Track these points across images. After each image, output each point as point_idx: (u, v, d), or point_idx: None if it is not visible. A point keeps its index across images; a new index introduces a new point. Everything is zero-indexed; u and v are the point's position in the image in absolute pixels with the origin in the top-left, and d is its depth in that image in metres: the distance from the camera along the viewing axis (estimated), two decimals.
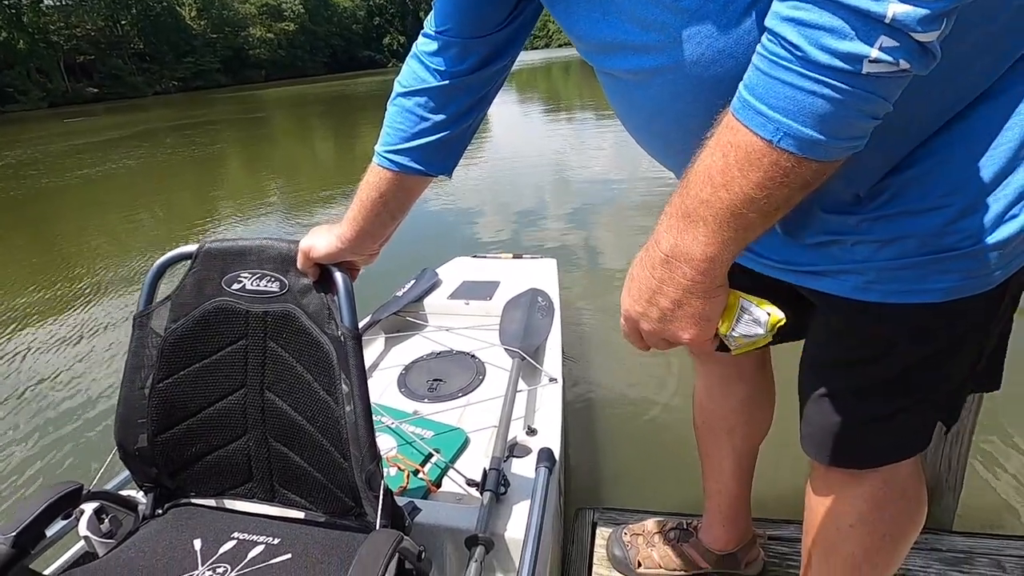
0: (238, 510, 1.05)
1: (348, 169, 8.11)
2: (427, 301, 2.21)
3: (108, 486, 1.12)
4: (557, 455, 1.33)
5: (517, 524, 1.15)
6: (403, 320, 2.15)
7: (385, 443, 1.53)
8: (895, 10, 0.39)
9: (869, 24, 0.40)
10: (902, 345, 0.69)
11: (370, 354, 2.00)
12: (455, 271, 2.49)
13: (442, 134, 0.82)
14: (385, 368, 1.92)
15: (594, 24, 0.62)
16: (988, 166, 0.59)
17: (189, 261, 1.00)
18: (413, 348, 2.03)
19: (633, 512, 1.48)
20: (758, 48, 0.46)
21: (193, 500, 1.08)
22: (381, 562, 0.76)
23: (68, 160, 10.36)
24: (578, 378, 2.40)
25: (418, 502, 1.19)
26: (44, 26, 38.85)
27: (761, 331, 0.57)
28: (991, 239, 0.60)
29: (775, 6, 0.45)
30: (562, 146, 8.36)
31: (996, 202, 0.59)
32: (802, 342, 0.86)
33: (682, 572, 1.24)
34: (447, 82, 0.78)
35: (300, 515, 1.04)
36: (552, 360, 1.76)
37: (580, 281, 3.39)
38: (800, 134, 0.44)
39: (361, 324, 2.02)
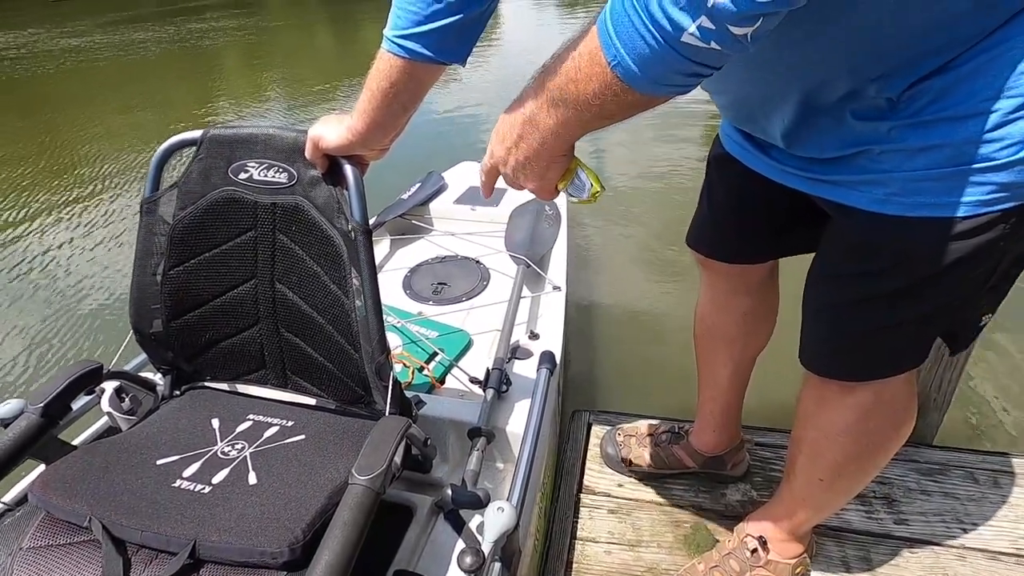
0: (252, 395, 1.10)
1: (351, 61, 7.72)
2: (433, 205, 2.19)
3: (127, 367, 1.16)
4: (558, 359, 1.37)
5: (517, 420, 1.20)
6: (408, 223, 2.14)
7: (391, 341, 1.57)
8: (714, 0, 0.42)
9: (697, 2, 0.43)
10: (917, 259, 0.68)
11: (375, 256, 2.01)
12: (462, 176, 2.44)
13: (456, 17, 0.76)
14: (390, 270, 1.94)
15: None
16: None
17: (194, 148, 0.97)
18: (418, 251, 2.03)
19: (627, 416, 1.55)
20: None
21: (209, 384, 1.13)
22: (392, 444, 0.81)
23: (59, 47, 9.82)
24: (581, 288, 2.43)
25: (423, 396, 1.25)
26: None
27: (585, 195, 0.70)
28: None
29: None
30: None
31: None
32: (810, 257, 0.86)
33: (669, 471, 1.32)
34: None
35: (312, 402, 1.09)
36: (557, 269, 1.77)
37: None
38: (628, 67, 0.50)
39: None
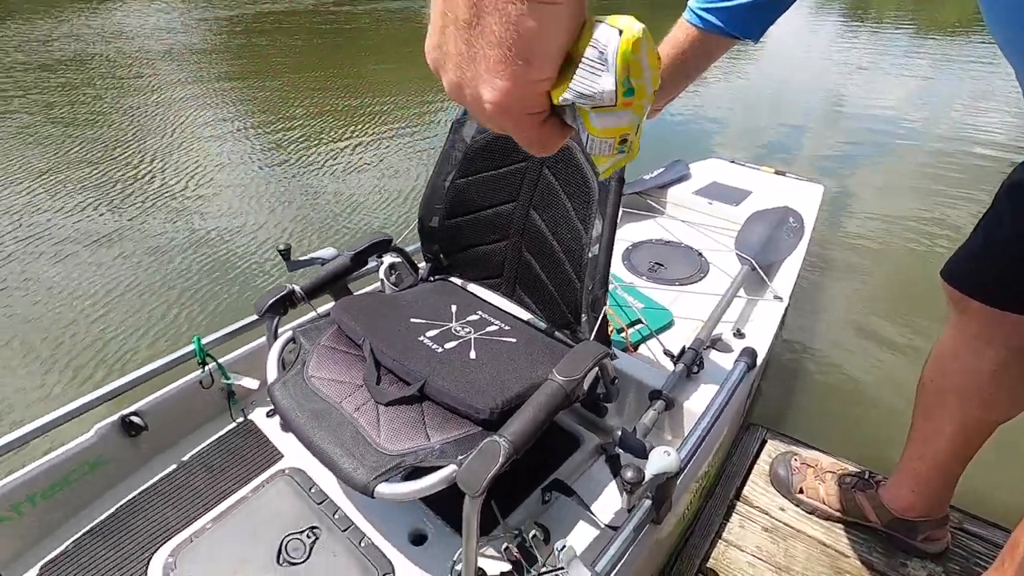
0: (484, 298, 1.32)
1: None
2: (671, 191, 2.23)
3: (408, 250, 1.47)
4: (759, 363, 1.35)
5: (699, 400, 1.24)
6: (643, 201, 2.22)
7: None
8: None
9: None
10: None
11: None
12: (708, 170, 2.42)
13: None
14: (617, 240, 2.05)
15: None
16: None
17: None
18: (644, 229, 2.11)
19: (805, 445, 1.46)
20: None
21: (454, 279, 1.38)
22: (590, 360, 0.93)
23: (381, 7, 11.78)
24: (803, 309, 2.26)
25: (617, 351, 1.35)
26: None
27: (607, 85, 0.27)
28: None
29: None
30: (847, 65, 6.95)
31: None
32: None
33: (845, 516, 1.23)
34: None
35: (526, 317, 1.26)
36: (784, 280, 1.70)
37: (838, 221, 3.02)
38: None
39: None
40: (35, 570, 1.01)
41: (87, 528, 1.07)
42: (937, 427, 1.05)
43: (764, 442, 1.46)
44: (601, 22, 0.27)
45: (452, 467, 0.85)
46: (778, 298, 1.61)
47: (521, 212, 1.20)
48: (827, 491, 1.25)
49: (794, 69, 6.87)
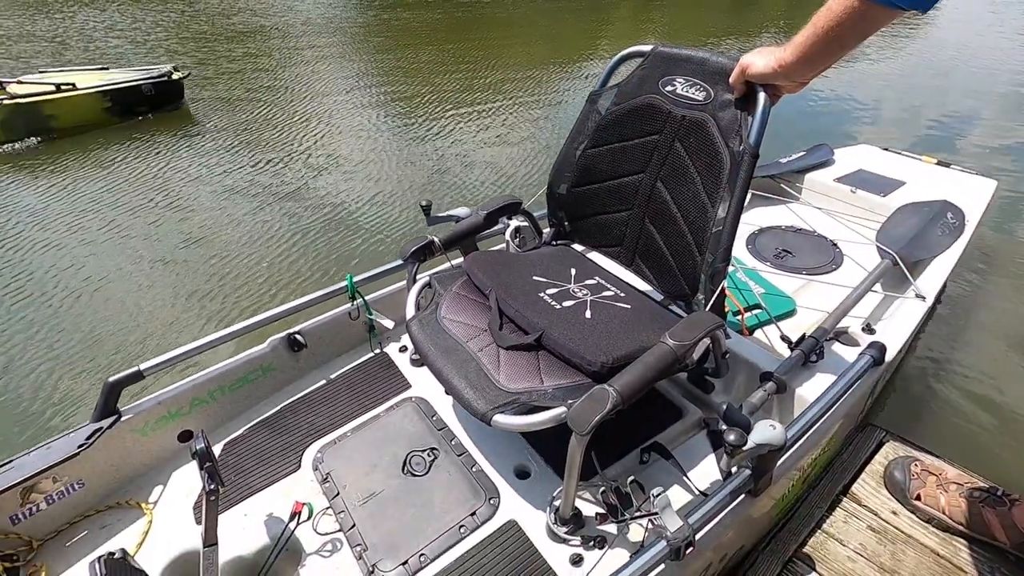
0: (602, 265, 1.38)
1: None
2: (810, 176, 2.11)
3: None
4: (887, 359, 1.28)
5: (813, 389, 1.21)
6: (776, 185, 2.12)
7: None
8: None
9: None
10: None
11: None
12: (855, 156, 2.25)
13: None
14: (741, 222, 1.99)
15: None
16: None
17: (641, 59, 1.21)
18: (775, 214, 2.02)
19: (927, 452, 1.37)
20: None
21: (576, 246, 1.45)
22: (703, 329, 0.96)
23: None
24: (953, 314, 2.05)
25: (731, 332, 1.35)
26: None
27: None
28: None
29: None
30: None
31: None
32: None
33: (968, 531, 1.15)
34: None
35: (643, 287, 1.31)
36: (931, 279, 1.56)
37: (1007, 224, 2.65)
38: None
39: None
40: (220, 445, 1.26)
41: (258, 420, 1.31)
42: None
43: (881, 444, 1.39)
44: None
45: (562, 408, 0.93)
46: (920, 297, 1.49)
47: (648, 183, 1.23)
48: (949, 502, 1.17)
49: (973, 46, 5.95)
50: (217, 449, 1.25)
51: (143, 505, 1.14)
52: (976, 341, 1.94)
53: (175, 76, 4.74)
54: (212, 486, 0.89)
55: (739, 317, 1.54)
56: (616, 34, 7.51)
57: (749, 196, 2.11)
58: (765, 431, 0.90)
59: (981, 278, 2.25)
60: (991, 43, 6.08)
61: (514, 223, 1.54)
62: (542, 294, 1.19)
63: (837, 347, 1.36)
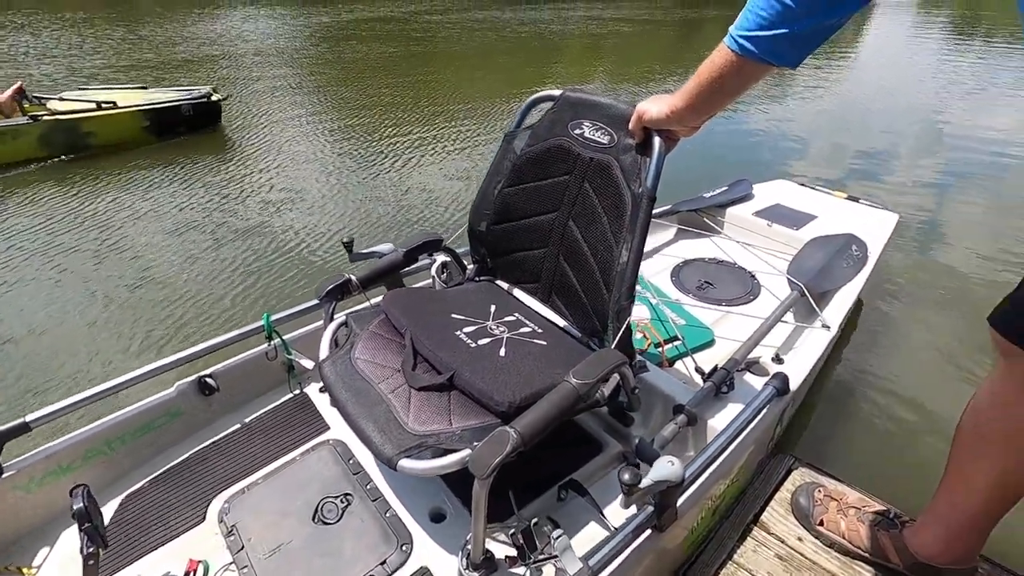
0: (523, 301, 1.39)
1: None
2: (731, 210, 2.21)
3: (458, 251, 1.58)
4: (792, 388, 1.34)
5: (724, 419, 1.25)
6: (700, 219, 2.21)
7: (642, 312, 1.74)
8: None
9: None
10: None
11: (659, 238, 2.16)
12: (773, 191, 2.38)
13: (801, 28, 0.82)
14: (666, 255, 2.07)
15: None
16: None
17: (552, 102, 1.26)
18: (698, 247, 2.11)
19: (832, 477, 1.43)
20: None
21: (498, 281, 1.46)
22: (606, 367, 0.98)
23: (463, 18, 12.13)
24: (862, 342, 2.17)
25: (649, 364, 1.38)
26: None
27: None
28: None
29: None
30: (948, 85, 6.43)
31: None
32: None
33: (864, 554, 1.19)
34: None
35: (562, 323, 1.33)
36: (836, 310, 1.66)
37: (914, 255, 2.84)
38: None
39: (660, 209, 2.18)
40: (119, 499, 1.19)
41: (162, 470, 1.25)
42: (974, 475, 1.01)
43: (790, 470, 1.44)
44: None
45: (467, 451, 0.93)
46: (826, 327, 1.58)
47: (561, 222, 1.26)
48: (848, 526, 1.22)
49: (890, 89, 6.47)
50: (113, 505, 1.18)
51: (25, 570, 1.06)
52: (882, 368, 2.05)
53: (214, 98, 4.78)
54: (91, 548, 0.84)
55: (660, 349, 1.59)
56: (565, 72, 7.78)
57: (676, 229, 2.23)
58: (663, 468, 0.92)
59: (889, 306, 2.39)
60: (905, 87, 6.61)
61: (440, 259, 1.55)
62: (459, 332, 1.19)
63: (748, 377, 1.41)
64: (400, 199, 3.55)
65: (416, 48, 8.90)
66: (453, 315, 1.26)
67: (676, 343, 1.61)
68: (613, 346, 1.09)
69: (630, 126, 1.09)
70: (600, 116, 1.17)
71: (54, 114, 4.10)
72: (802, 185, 2.47)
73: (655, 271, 1.97)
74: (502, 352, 1.15)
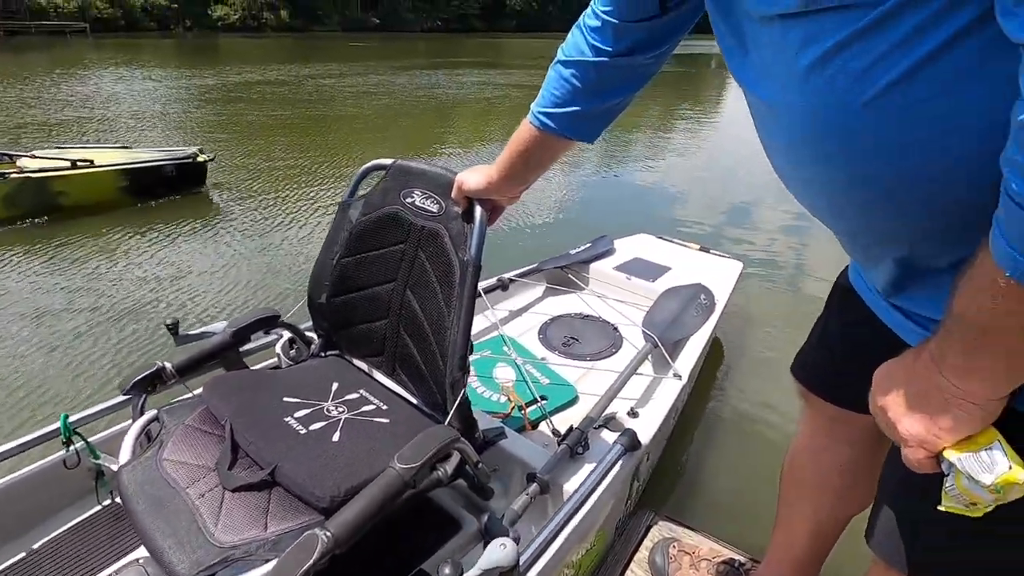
0: (368, 373, 1.32)
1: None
2: (594, 266, 2.29)
3: (302, 326, 1.48)
4: (644, 443, 1.35)
5: (577, 482, 1.22)
6: (565, 276, 2.27)
7: (507, 374, 1.72)
8: None
9: None
10: None
11: (527, 297, 2.19)
12: (633, 246, 2.51)
13: (590, 106, 0.87)
14: (534, 313, 2.09)
15: (737, 66, 0.64)
16: None
17: (383, 171, 1.24)
18: (565, 303, 2.15)
19: (691, 530, 1.44)
20: (1009, 195, 0.41)
21: (345, 355, 1.38)
22: (433, 447, 0.92)
23: (348, 82, 12.36)
24: (713, 385, 2.28)
25: (508, 430, 1.35)
26: None
27: (986, 481, 0.48)
28: None
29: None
30: None
31: None
32: None
33: None
34: (602, 59, 0.82)
35: (410, 398, 1.26)
36: (687, 359, 1.73)
37: (764, 298, 3.10)
38: None
39: (527, 268, 2.22)
40: None
41: None
42: (796, 519, 1.05)
43: (649, 528, 1.44)
44: (1001, 441, 0.49)
45: (272, 563, 0.82)
46: (677, 376, 1.63)
47: (399, 292, 1.23)
48: None
49: (754, 144, 7.26)
50: None
51: None
52: (738, 410, 2.16)
53: (200, 158, 4.54)
54: None
55: (523, 412, 1.56)
56: (464, 131, 8.05)
57: (543, 287, 2.27)
58: (493, 553, 0.87)
59: (739, 352, 2.55)
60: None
61: (287, 335, 1.44)
62: (289, 418, 1.09)
63: (605, 434, 1.41)
64: (300, 268, 3.34)
65: (313, 111, 8.81)
66: (286, 398, 1.15)
67: (540, 404, 1.59)
68: (448, 420, 1.04)
69: (452, 195, 1.09)
70: (429, 184, 1.16)
71: (23, 172, 3.80)
72: (660, 238, 2.63)
73: (523, 330, 1.98)
74: (336, 437, 1.06)
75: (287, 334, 1.44)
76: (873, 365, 0.69)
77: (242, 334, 1.29)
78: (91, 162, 4.05)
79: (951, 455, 0.50)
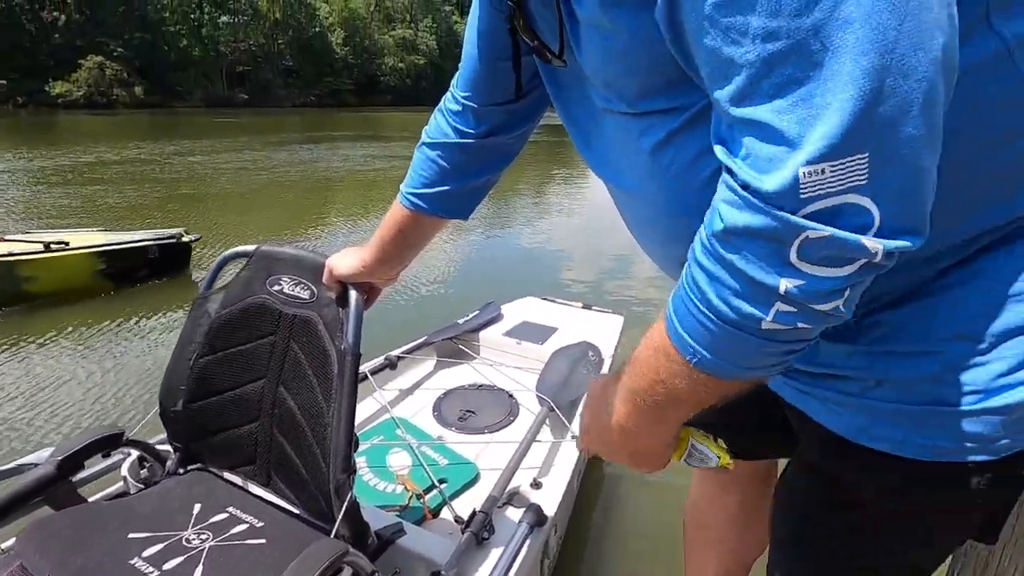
0: (240, 486, 1.16)
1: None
2: (483, 333, 2.27)
3: (152, 440, 1.27)
4: (551, 514, 1.30)
5: (486, 571, 1.14)
6: (455, 347, 2.22)
7: (402, 460, 1.60)
8: (786, 285, 0.40)
9: (764, 293, 0.41)
10: (869, 500, 0.61)
11: (417, 373, 2.10)
12: (521, 309, 2.53)
13: (458, 186, 0.87)
14: (426, 389, 2.00)
15: (582, 148, 0.69)
16: (1002, 315, 0.52)
17: (245, 259, 1.14)
18: (458, 375, 2.09)
19: None
20: (682, 274, 0.48)
21: (210, 468, 1.21)
22: (316, 568, 0.81)
23: (221, 158, 11.90)
24: None
25: (407, 525, 1.23)
26: (216, 38, 43.76)
27: (712, 465, 0.65)
28: (993, 401, 0.53)
29: (695, 247, 0.46)
30: None
31: (1005, 358, 0.52)
32: None
33: None
34: (465, 141, 0.84)
35: (288, 507, 1.12)
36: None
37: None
38: (713, 363, 0.46)
39: (416, 343, 2.14)
40: None
41: None
42: (703, 567, 1.05)
43: None
44: (697, 437, 0.66)
45: None
46: (575, 438, 1.62)
47: (271, 389, 1.11)
48: None
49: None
50: None
51: None
52: (632, 469, 2.19)
53: (185, 239, 4.22)
54: None
55: (422, 501, 1.45)
56: (350, 201, 7.96)
57: (435, 361, 2.20)
58: None
59: None
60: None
61: (133, 455, 1.24)
62: (136, 560, 0.91)
63: (510, 512, 1.35)
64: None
65: (185, 190, 8.18)
66: (131, 535, 0.97)
67: (442, 487, 1.49)
68: (335, 530, 0.93)
69: (324, 280, 1.02)
70: (297, 270, 1.09)
71: None
72: (545, 299, 2.69)
73: (416, 409, 1.88)
74: (198, 572, 0.90)
75: (135, 452, 1.23)
76: (749, 413, 0.73)
77: (72, 462, 1.08)
78: (66, 244, 3.68)
79: (674, 459, 0.66)
